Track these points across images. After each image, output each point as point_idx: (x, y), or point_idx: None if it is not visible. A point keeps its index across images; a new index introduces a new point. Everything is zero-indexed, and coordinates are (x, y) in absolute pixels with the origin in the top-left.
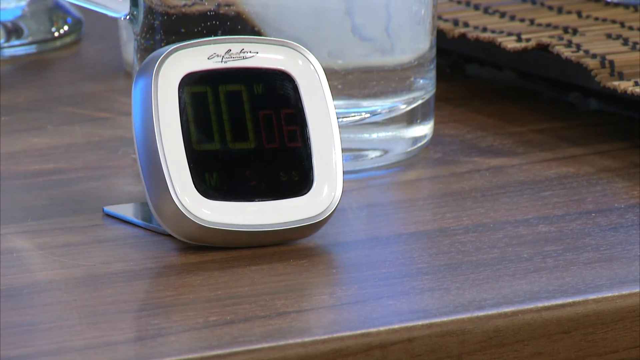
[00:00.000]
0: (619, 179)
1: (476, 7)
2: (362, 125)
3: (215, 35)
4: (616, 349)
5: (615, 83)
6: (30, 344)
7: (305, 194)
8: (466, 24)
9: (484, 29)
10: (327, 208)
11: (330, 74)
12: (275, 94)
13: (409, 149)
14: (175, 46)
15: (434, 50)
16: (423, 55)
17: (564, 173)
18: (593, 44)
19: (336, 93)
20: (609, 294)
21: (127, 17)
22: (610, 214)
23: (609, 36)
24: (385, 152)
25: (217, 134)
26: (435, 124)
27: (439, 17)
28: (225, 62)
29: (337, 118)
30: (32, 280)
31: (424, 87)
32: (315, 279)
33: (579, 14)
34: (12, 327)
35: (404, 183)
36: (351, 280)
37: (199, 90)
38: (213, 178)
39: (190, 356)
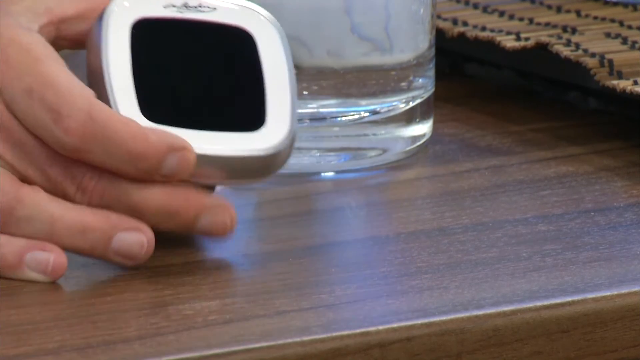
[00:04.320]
0: (618, 178)
1: (475, 6)
2: (361, 124)
3: None
4: (615, 348)
5: (614, 82)
6: (29, 342)
7: (255, 130)
8: (465, 23)
9: (483, 28)
10: (276, 145)
11: (329, 72)
12: (232, 47)
13: (408, 148)
14: None
15: (433, 50)
16: (422, 54)
17: (563, 172)
18: (592, 43)
19: (335, 92)
20: (608, 293)
21: None
22: (609, 213)
23: (608, 35)
24: (384, 151)
25: (167, 72)
26: (434, 123)
27: (438, 16)
28: (181, 12)
29: (334, 117)
30: (34, 283)
31: (423, 86)
32: (314, 277)
33: (578, 13)
34: (12, 325)
35: (403, 182)
36: (350, 279)
37: (151, 35)
38: (158, 105)
39: (189, 355)
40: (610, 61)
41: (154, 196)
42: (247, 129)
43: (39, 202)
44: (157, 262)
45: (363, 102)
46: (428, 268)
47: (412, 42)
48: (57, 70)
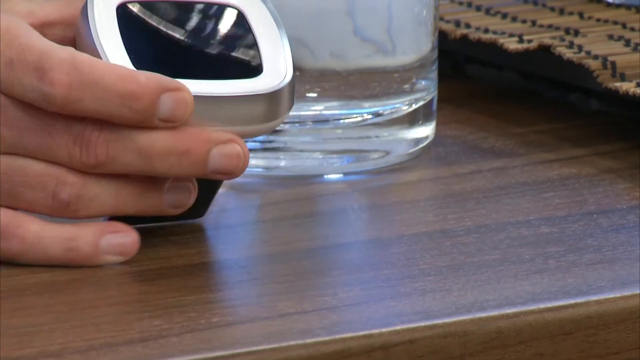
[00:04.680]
0: (620, 180)
1: (478, 8)
2: (363, 126)
3: None
4: (618, 350)
5: (617, 84)
6: (31, 345)
7: (253, 77)
8: (468, 25)
9: (486, 30)
10: (276, 85)
11: (332, 75)
12: (222, 19)
13: (410, 150)
14: None
15: (436, 52)
16: (425, 57)
17: (566, 174)
18: (595, 45)
19: (337, 94)
20: (611, 295)
21: None
22: (612, 215)
23: (610, 37)
24: (387, 153)
25: (160, 42)
26: (437, 125)
27: (441, 18)
28: None
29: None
30: (34, 282)
31: (426, 88)
32: (317, 280)
33: (581, 15)
34: (14, 328)
35: (406, 184)
36: (353, 281)
37: (137, 13)
38: (154, 64)
39: (192, 357)
40: (613, 63)
41: (161, 138)
42: (244, 77)
43: (99, 179)
44: (159, 264)
45: (366, 104)
46: (431, 270)
47: (415, 44)
48: (35, 38)
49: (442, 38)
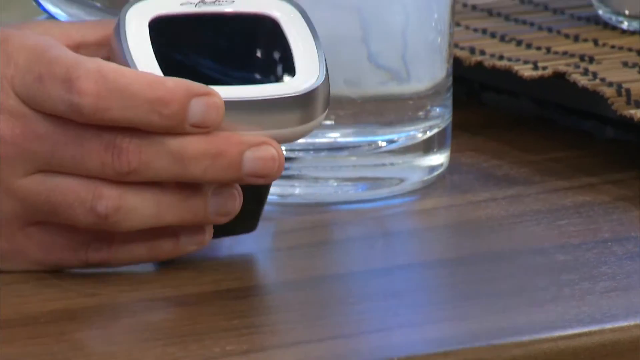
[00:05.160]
0: (635, 208)
1: (493, 35)
2: (378, 153)
3: None
4: None
5: (632, 111)
6: None
7: (285, 80)
8: (483, 52)
9: (501, 57)
10: (309, 86)
11: (347, 102)
12: (255, 29)
13: (425, 178)
14: None
15: (451, 79)
16: (439, 84)
17: (580, 202)
18: (609, 72)
19: (352, 121)
20: (626, 324)
21: None
22: (626, 242)
23: (625, 64)
24: (402, 180)
25: (192, 56)
26: (452, 152)
27: (456, 45)
28: (199, 7)
29: (352, 147)
30: (48, 309)
31: (441, 116)
32: (332, 308)
33: (595, 42)
34: (29, 356)
35: (420, 212)
36: (367, 309)
37: (170, 27)
38: (189, 76)
39: None
40: (628, 90)
41: (193, 141)
42: (280, 80)
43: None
44: (174, 292)
45: (380, 131)
46: (445, 298)
47: (430, 71)
48: (63, 51)
49: (457, 65)
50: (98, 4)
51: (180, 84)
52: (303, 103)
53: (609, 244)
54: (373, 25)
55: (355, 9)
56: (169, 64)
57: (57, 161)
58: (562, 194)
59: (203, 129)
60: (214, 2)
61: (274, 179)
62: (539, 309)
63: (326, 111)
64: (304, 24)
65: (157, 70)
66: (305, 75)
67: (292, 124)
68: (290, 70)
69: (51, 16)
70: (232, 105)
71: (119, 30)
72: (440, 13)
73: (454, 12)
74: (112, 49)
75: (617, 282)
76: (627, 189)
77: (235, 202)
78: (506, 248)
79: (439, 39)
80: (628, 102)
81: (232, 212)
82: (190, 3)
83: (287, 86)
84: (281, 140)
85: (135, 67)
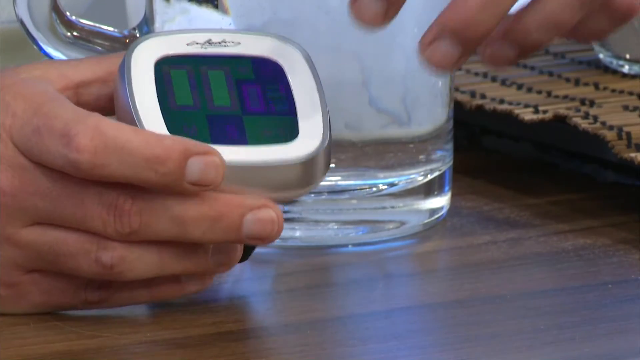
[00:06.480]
0: (635, 251)
1: (493, 79)
2: (379, 197)
3: None
4: None
5: (632, 155)
6: None
7: (287, 142)
8: (483, 96)
9: (501, 101)
10: (311, 152)
11: (347, 145)
12: (260, 75)
13: (425, 221)
14: (151, 34)
15: (451, 122)
16: (440, 127)
17: (581, 245)
18: (610, 115)
19: (353, 165)
20: None
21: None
22: (626, 285)
23: (626, 108)
24: (402, 223)
25: (197, 101)
26: (453, 195)
27: (456, 89)
28: (205, 48)
29: (352, 190)
30: (49, 351)
31: (441, 159)
32: (332, 350)
33: (596, 86)
34: None
35: (421, 254)
36: (368, 352)
37: (176, 69)
38: (191, 130)
39: None
40: (629, 134)
41: (194, 204)
42: (282, 142)
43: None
44: (175, 334)
45: (381, 174)
46: (446, 340)
47: (430, 115)
48: (61, 104)
49: (458, 109)
50: (99, 48)
51: (177, 142)
52: (305, 168)
53: (610, 286)
54: (374, 70)
55: (356, 53)
56: (172, 111)
57: (58, 217)
58: (563, 236)
59: (202, 187)
60: (220, 43)
61: (273, 241)
62: (540, 352)
63: (327, 171)
64: (309, 71)
65: (159, 120)
66: (309, 136)
67: (293, 186)
68: (293, 128)
69: (52, 59)
70: (234, 168)
71: (123, 71)
72: None
73: None
74: (116, 90)
75: (618, 325)
76: (628, 231)
77: (235, 253)
78: (507, 290)
79: (440, 83)
80: (629, 146)
81: (233, 262)
82: (197, 43)
83: (290, 150)
84: (281, 201)
85: (137, 116)
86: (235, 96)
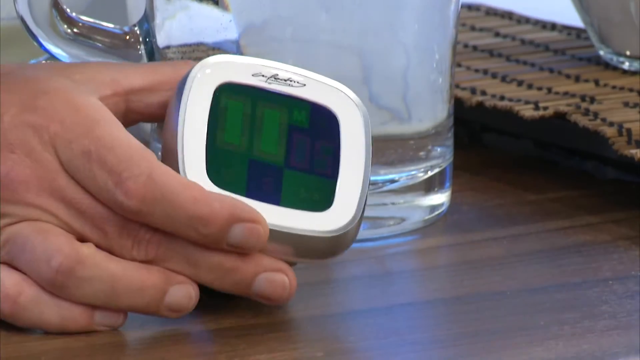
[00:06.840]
0: (636, 247)
1: (494, 76)
2: (379, 193)
3: None
4: None
5: (633, 151)
6: None
7: (322, 211)
8: (484, 93)
9: (502, 98)
10: (341, 228)
11: None
12: (315, 125)
13: (426, 217)
14: (222, 55)
15: (452, 119)
16: (441, 124)
17: (581, 241)
18: (610, 112)
19: None
20: None
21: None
22: (627, 281)
23: (626, 104)
24: (403, 220)
25: (244, 140)
26: (453, 192)
27: (457, 86)
28: (270, 83)
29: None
30: (49, 348)
31: (442, 155)
32: (331, 347)
33: (597, 83)
34: None
35: (421, 251)
36: (367, 348)
37: (234, 99)
38: (229, 174)
39: None
40: (629, 130)
41: (212, 251)
42: (314, 209)
43: (99, 262)
44: (174, 331)
45: (381, 171)
46: (446, 337)
47: (431, 112)
48: (115, 132)
49: (458, 105)
50: (100, 45)
51: (225, 206)
52: (332, 242)
53: (610, 282)
54: (374, 67)
55: (357, 50)
56: (217, 146)
57: (77, 224)
58: (563, 233)
59: (240, 250)
60: (285, 81)
61: (279, 304)
62: (540, 348)
63: (353, 243)
64: (362, 130)
65: (200, 158)
66: (343, 208)
67: (318, 255)
68: (330, 195)
69: (52, 56)
70: (271, 233)
71: (181, 93)
72: (441, 54)
73: (455, 53)
74: (169, 108)
75: (618, 321)
76: (628, 228)
77: (190, 303)
78: (507, 287)
79: (440, 80)
80: (629, 142)
81: (185, 310)
82: (263, 76)
83: (321, 221)
84: (302, 263)
85: (182, 147)
86: (284, 143)
